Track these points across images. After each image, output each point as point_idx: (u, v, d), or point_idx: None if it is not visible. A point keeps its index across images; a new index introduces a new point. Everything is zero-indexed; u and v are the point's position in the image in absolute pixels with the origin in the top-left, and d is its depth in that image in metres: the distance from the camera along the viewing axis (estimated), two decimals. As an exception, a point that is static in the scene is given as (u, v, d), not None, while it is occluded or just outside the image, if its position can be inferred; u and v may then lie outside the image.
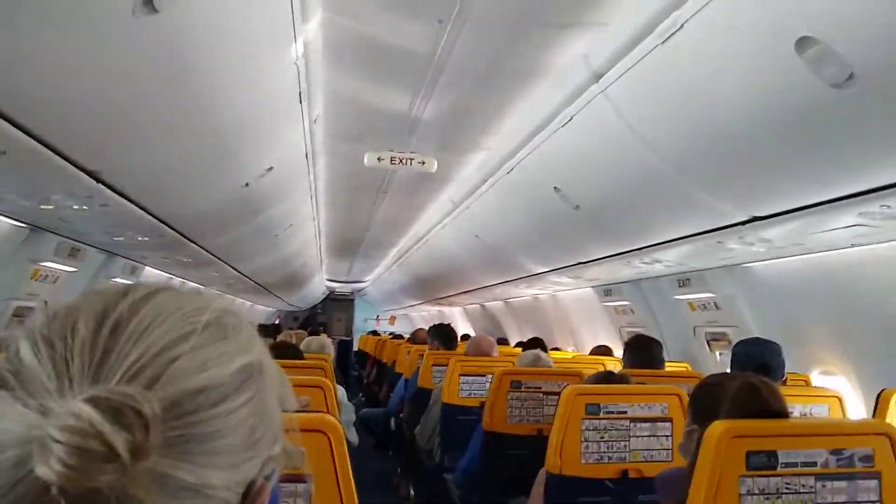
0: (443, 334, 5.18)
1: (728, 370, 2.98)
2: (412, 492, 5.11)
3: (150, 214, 3.16)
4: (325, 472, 1.38)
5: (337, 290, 18.39)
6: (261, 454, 0.51)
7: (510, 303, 9.19)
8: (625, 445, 2.37)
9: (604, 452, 2.36)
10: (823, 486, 1.42)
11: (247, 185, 3.29)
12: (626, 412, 2.38)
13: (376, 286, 16.05)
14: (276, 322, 16.20)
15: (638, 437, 2.39)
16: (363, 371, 10.99)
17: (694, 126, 2.41)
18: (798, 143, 2.17)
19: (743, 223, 2.84)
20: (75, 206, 2.69)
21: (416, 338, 7.47)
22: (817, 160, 2.23)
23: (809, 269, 3.47)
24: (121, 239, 3.70)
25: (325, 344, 3.96)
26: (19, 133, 1.82)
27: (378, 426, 6.60)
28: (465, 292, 9.36)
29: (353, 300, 20.47)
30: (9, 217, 3.16)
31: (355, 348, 14.27)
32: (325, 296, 19.24)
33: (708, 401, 1.60)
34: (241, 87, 2.29)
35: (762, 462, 1.42)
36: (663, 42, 2.13)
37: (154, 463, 0.42)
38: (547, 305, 7.71)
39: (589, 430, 2.35)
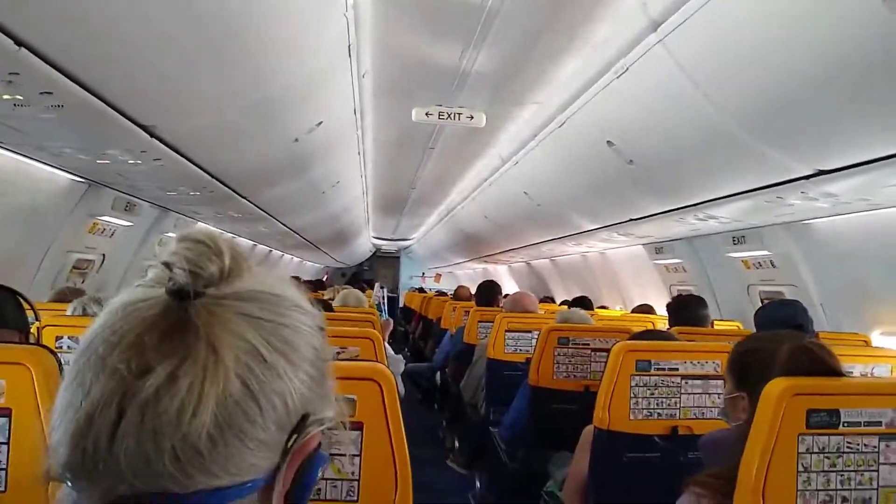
0: (483, 290, 5.21)
1: None
2: (457, 444, 5.19)
3: (202, 169, 3.20)
4: (377, 419, 1.40)
5: (383, 247, 18.55)
6: (317, 393, 0.54)
7: (557, 261, 9.12)
8: (675, 402, 2.34)
9: (653, 409, 2.34)
10: (887, 445, 1.38)
11: (296, 140, 3.30)
12: (677, 369, 2.35)
13: (422, 244, 16.13)
14: (324, 278, 16.48)
15: (689, 394, 2.35)
16: (409, 326, 11.13)
17: (757, 78, 2.30)
18: (868, 92, 2.06)
19: (807, 177, 2.72)
20: (130, 161, 2.75)
21: (459, 295, 7.51)
22: (888, 111, 2.11)
23: (871, 225, 3.33)
24: (173, 194, 3.78)
25: (362, 298, 3.97)
26: (76, 87, 1.84)
27: (424, 381, 6.71)
28: (511, 250, 9.32)
29: (398, 258, 20.64)
30: (68, 172, 3.24)
31: (401, 304, 14.44)
32: (371, 253, 19.44)
33: (755, 365, 1.56)
34: (291, 42, 2.27)
35: (823, 420, 1.38)
36: (729, -15, 2.03)
37: (236, 294, 0.51)
38: (595, 264, 7.62)
39: (639, 386, 2.33)
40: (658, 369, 2.33)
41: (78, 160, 2.75)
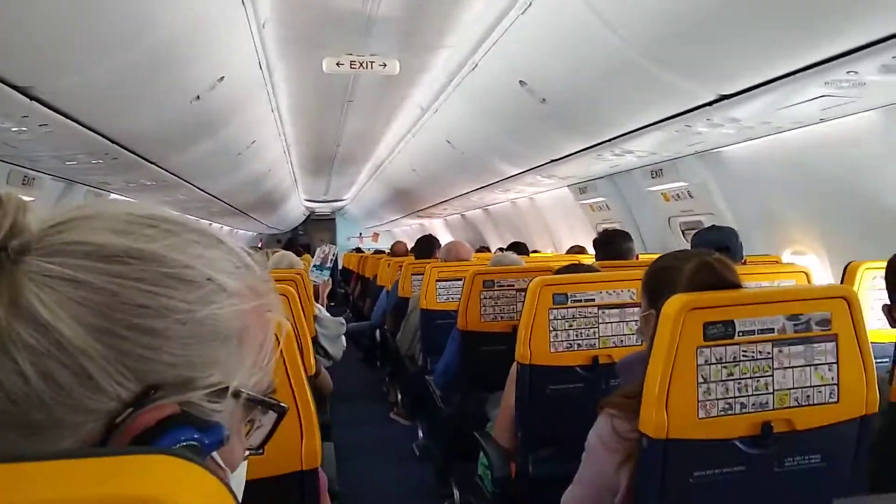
0: (421, 245, 5.20)
1: None
2: (399, 397, 5.23)
3: (96, 133, 3.01)
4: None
5: (317, 210, 18.27)
6: (200, 356, 0.48)
7: (489, 210, 9.16)
8: (594, 332, 2.38)
9: (573, 340, 2.37)
10: (780, 351, 1.42)
11: (198, 97, 3.14)
12: (593, 300, 2.38)
13: (356, 204, 15.95)
14: (259, 245, 16.16)
15: (606, 323, 2.39)
16: (348, 288, 11.08)
17: (657, 4, 2.30)
18: (760, 13, 2.08)
19: (710, 103, 2.77)
20: (14, 129, 2.56)
21: (395, 251, 7.48)
22: (782, 30, 2.14)
23: (780, 150, 3.43)
24: (73, 164, 3.56)
25: (295, 262, 3.89)
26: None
27: (364, 339, 6.72)
28: (443, 202, 9.30)
29: (334, 220, 20.39)
30: (-52, 145, 3.02)
31: (339, 266, 14.33)
32: (305, 217, 19.13)
33: (663, 282, 1.59)
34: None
35: (719, 332, 1.41)
36: None
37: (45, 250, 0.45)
38: (525, 210, 7.68)
39: (557, 319, 2.35)
40: (575, 301, 2.36)
41: (-47, 131, 2.55)
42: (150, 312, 0.46)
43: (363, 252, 13.33)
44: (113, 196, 5.35)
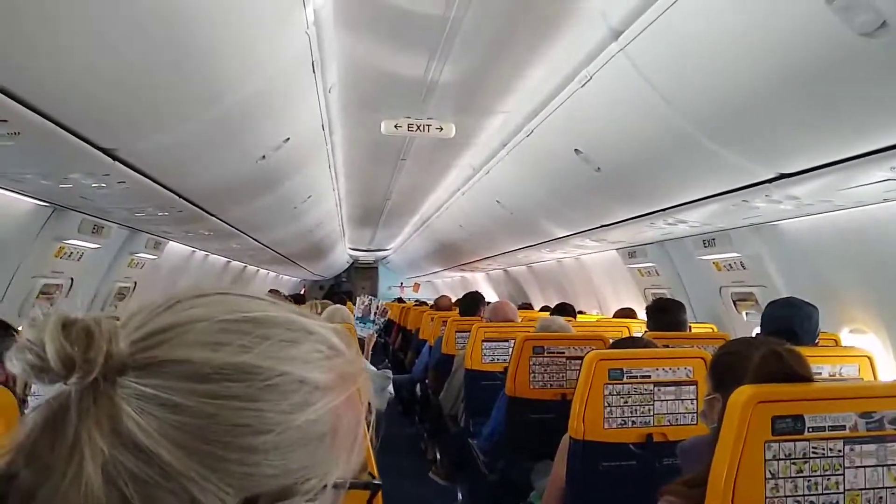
0: (467, 301, 5.22)
1: (757, 331, 2.93)
2: (439, 456, 5.17)
3: (168, 189, 3.16)
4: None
5: (360, 258, 18.47)
6: (300, 460, 0.49)
7: (533, 267, 9.16)
8: (649, 409, 2.36)
9: (628, 417, 2.35)
10: (852, 449, 1.39)
11: (263, 157, 3.27)
12: (649, 376, 2.36)
13: (399, 254, 16.09)
14: (302, 292, 16.37)
15: (662, 401, 2.37)
16: (388, 338, 11.09)
17: (717, 82, 2.33)
18: (825, 96, 2.09)
19: (769, 181, 2.76)
20: (94, 184, 2.70)
21: (439, 305, 7.50)
22: (846, 113, 2.15)
23: (839, 226, 3.38)
24: (141, 215, 3.73)
25: (347, 316, 3.98)
26: (32, 113, 1.81)
27: (404, 392, 6.70)
28: (487, 258, 9.33)
29: (376, 268, 20.58)
30: (32, 197, 3.18)
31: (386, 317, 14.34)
32: (348, 264, 19.35)
33: (730, 369, 1.58)
34: (252, 61, 2.26)
35: (788, 427, 1.39)
36: (684, -5, 2.05)
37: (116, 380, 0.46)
38: (571, 269, 7.66)
39: (612, 394, 2.33)
40: (630, 377, 2.35)
41: (40, 185, 2.71)
42: (248, 430, 0.46)
43: (404, 302, 13.39)
44: (171, 244, 5.53)
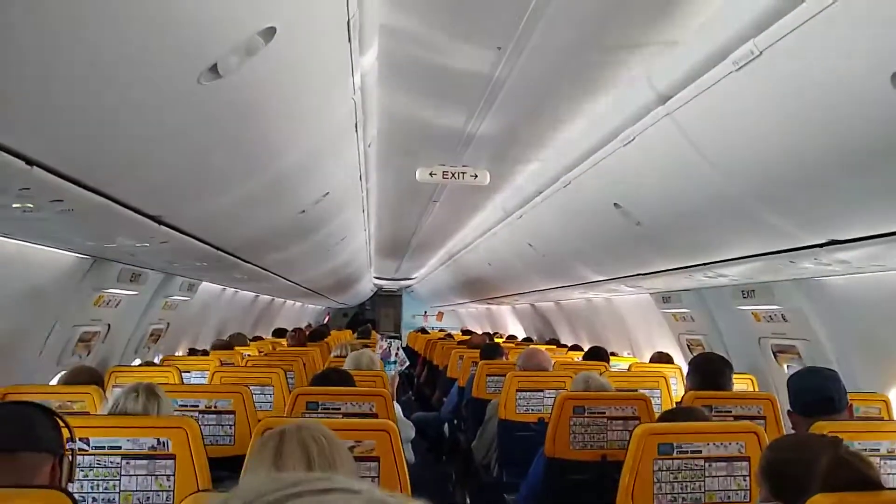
0: (487, 352, 5.27)
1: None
2: (468, 501, 5.09)
3: (209, 245, 3.19)
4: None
5: (385, 287, 18.49)
6: None
7: (562, 304, 9.06)
8: (699, 486, 2.29)
9: (678, 493, 2.28)
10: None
11: (303, 211, 3.29)
12: (700, 451, 2.29)
13: (424, 284, 16.09)
14: (325, 322, 16.40)
15: (713, 476, 2.30)
16: (412, 370, 11.02)
17: (766, 152, 2.30)
18: (883, 170, 2.04)
19: (820, 245, 2.70)
20: (137, 244, 2.73)
21: (473, 342, 7.43)
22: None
23: (886, 283, 3.29)
24: (178, 265, 3.76)
25: (375, 360, 3.93)
26: (85, 192, 1.83)
27: (431, 430, 6.62)
28: (514, 294, 9.27)
29: (400, 296, 20.57)
30: (74, 251, 3.22)
31: (403, 345, 14.34)
32: (373, 293, 19.37)
33: (792, 476, 1.52)
34: (300, 128, 2.27)
35: (867, 541, 1.33)
36: (738, 69, 2.02)
37: None
38: (602, 309, 7.56)
39: (661, 470, 2.27)
40: (681, 452, 2.28)
41: (86, 246, 2.74)
42: None
43: (428, 332, 13.33)
44: (203, 284, 5.57)
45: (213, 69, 1.43)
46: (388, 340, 4.42)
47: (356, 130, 2.87)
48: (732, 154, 2.48)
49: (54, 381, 3.41)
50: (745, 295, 4.34)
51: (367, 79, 2.55)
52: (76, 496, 1.33)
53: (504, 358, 5.41)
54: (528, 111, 3.31)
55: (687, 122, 2.49)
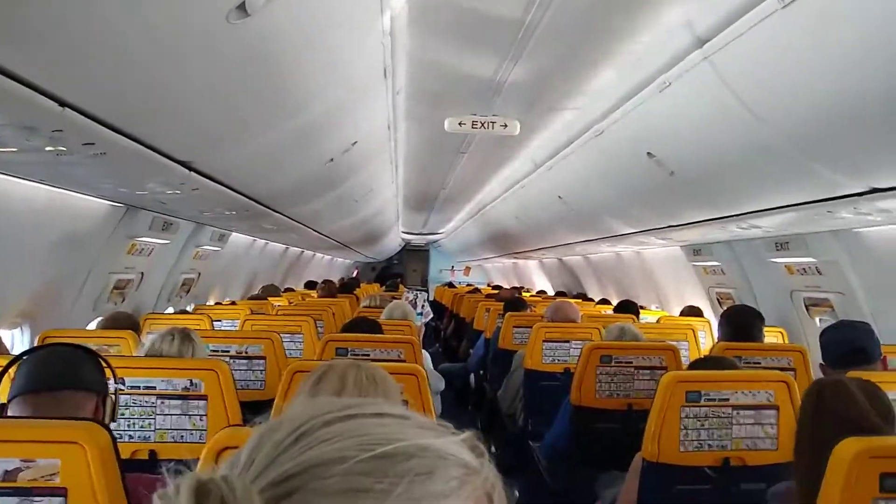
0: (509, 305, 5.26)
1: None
2: (494, 450, 5.17)
3: (239, 193, 3.21)
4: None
5: (413, 241, 18.55)
6: None
7: (590, 258, 9.01)
8: (727, 433, 2.29)
9: (704, 440, 2.28)
10: (969, 512, 1.31)
11: (331, 160, 3.28)
12: (728, 399, 2.28)
13: (451, 238, 16.10)
14: (355, 275, 16.56)
15: (741, 424, 2.29)
16: (440, 323, 11.12)
17: (808, 97, 2.22)
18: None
19: (860, 194, 2.63)
20: (168, 191, 2.76)
21: (503, 296, 7.46)
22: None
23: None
24: (209, 213, 3.79)
25: (408, 313, 3.98)
26: (117, 136, 1.84)
27: (458, 380, 6.72)
28: (542, 248, 9.23)
29: (428, 251, 20.64)
30: (106, 199, 3.27)
31: (430, 298, 14.46)
32: (401, 247, 19.46)
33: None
34: (329, 73, 2.25)
35: (900, 485, 1.32)
36: (784, 6, 1.94)
37: None
38: (630, 262, 7.51)
39: (689, 417, 2.27)
40: (708, 400, 2.28)
41: (118, 193, 2.77)
42: None
43: (455, 286, 13.40)
44: (234, 234, 5.62)
45: (241, 7, 1.41)
46: (415, 292, 4.46)
47: (385, 77, 2.84)
48: (772, 99, 2.40)
49: (92, 326, 3.50)
50: (779, 247, 4.26)
51: (397, 22, 2.49)
52: (114, 434, 1.36)
53: (530, 310, 5.43)
54: (560, 56, 3.22)
55: (725, 67, 2.41)
